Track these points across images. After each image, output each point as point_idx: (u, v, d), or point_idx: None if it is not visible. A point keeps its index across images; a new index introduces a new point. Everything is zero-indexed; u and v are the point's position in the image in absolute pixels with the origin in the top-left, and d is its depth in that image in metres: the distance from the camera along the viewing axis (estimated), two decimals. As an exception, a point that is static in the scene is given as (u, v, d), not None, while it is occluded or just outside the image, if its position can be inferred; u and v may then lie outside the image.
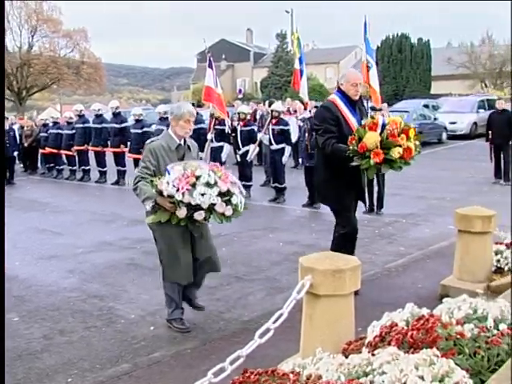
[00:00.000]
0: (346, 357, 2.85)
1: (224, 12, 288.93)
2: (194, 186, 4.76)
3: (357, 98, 5.91)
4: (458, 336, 2.70)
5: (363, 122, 5.62)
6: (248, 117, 13.59)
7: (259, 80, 56.87)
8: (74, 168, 17.00)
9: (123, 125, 15.44)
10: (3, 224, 5.86)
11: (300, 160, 14.85)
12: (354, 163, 5.41)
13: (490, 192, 13.02)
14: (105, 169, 16.06)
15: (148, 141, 5.50)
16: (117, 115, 15.54)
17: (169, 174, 4.88)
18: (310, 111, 12.10)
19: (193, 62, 73.11)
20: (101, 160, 16.03)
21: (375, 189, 10.79)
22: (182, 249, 5.21)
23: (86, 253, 8.34)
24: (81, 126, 16.25)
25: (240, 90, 57.63)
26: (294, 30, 39.30)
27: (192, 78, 66.98)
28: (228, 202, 4.87)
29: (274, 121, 12.38)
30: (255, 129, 13.34)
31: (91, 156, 16.44)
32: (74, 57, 48.07)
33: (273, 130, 12.32)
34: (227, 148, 13.13)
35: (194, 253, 5.30)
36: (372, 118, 5.56)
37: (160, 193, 4.86)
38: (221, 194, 4.82)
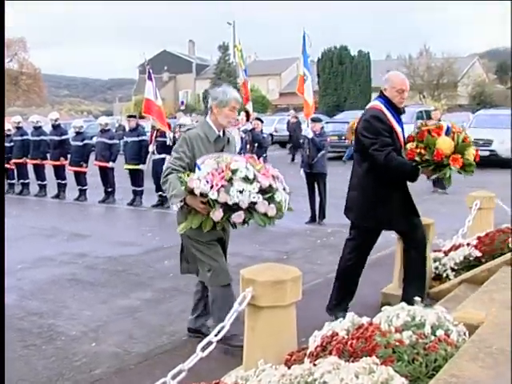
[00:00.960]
0: (289, 368, 2.85)
1: (166, 23, 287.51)
2: (230, 181, 4.09)
3: (402, 105, 5.17)
4: (397, 343, 2.75)
5: (411, 132, 5.11)
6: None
7: (202, 91, 56.93)
8: (13, 181, 16.56)
9: (63, 137, 15.12)
10: (3, 224, 5.70)
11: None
12: (432, 176, 5.24)
13: (430, 200, 13.31)
14: (44, 182, 15.68)
15: (183, 129, 5.04)
16: (56, 127, 15.22)
17: (199, 169, 4.21)
18: (251, 122, 12.16)
19: (135, 73, 72.62)
20: (40, 173, 15.66)
21: (317, 199, 10.90)
22: (219, 252, 4.79)
23: (26, 269, 8.12)
24: (19, 138, 15.84)
25: (182, 102, 57.54)
26: (236, 41, 39.55)
27: (134, 89, 66.43)
28: (271, 200, 4.19)
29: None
30: None
31: (30, 169, 16.06)
32: (12, 67, 47.07)
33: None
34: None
35: None
36: (425, 124, 5.07)
37: (190, 191, 4.18)
38: (262, 191, 4.14)
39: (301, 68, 11.20)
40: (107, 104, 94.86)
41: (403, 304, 3.11)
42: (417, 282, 5.32)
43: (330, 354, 2.84)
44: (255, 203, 4.08)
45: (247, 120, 13.48)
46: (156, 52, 64.92)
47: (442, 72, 44.57)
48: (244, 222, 4.21)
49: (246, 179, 4.08)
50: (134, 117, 14.11)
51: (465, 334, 3.02)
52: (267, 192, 4.15)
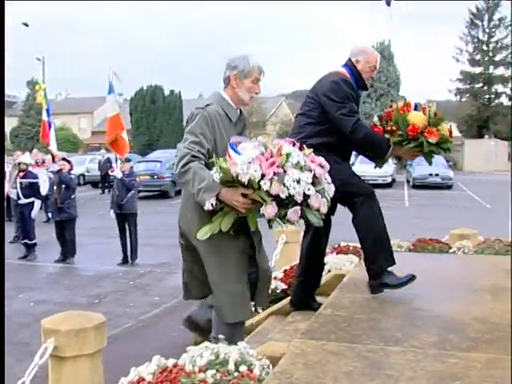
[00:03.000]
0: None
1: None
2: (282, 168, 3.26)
3: (368, 85, 4.58)
4: (202, 383, 2.76)
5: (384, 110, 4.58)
6: (29, 168, 12.45)
7: (9, 129, 53.99)
8: None
9: None
10: (3, 226, 4.81)
11: (50, 214, 14.24)
12: (409, 147, 4.28)
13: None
14: None
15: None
16: None
17: (237, 152, 3.24)
18: (57, 163, 11.75)
19: None
20: None
21: (128, 240, 10.76)
22: (243, 273, 3.71)
23: None
24: None
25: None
26: (45, 77, 38.20)
27: None
28: (321, 193, 3.41)
29: (21, 174, 11.76)
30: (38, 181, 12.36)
31: None
32: None
33: (20, 183, 11.68)
34: None
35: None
36: (390, 107, 4.56)
37: (229, 180, 3.25)
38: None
39: (116, 108, 11.11)
40: None
41: (206, 343, 3.13)
42: (378, 248, 4.33)
43: (137, 401, 2.78)
44: (308, 196, 3.29)
45: (53, 161, 12.99)
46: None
47: (251, 111, 46.43)
48: (301, 218, 3.38)
49: (299, 167, 3.31)
50: None
51: (268, 366, 3.10)
52: (314, 184, 3.35)
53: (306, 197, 3.27)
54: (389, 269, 4.23)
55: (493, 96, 49.75)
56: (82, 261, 11.14)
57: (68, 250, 11.01)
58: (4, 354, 3.59)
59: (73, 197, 10.93)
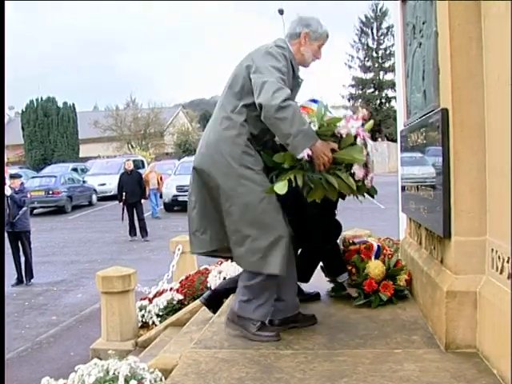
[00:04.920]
0: None
1: None
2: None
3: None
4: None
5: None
6: None
7: None
8: None
9: None
10: (3, 230, 4.15)
11: None
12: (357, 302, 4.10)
13: (140, 248, 13.56)
14: None
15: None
16: None
17: (328, 111, 3.38)
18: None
19: None
20: None
21: (22, 259, 10.36)
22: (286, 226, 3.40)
23: None
24: None
25: None
26: None
27: None
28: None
29: None
30: None
31: None
32: None
33: None
34: None
35: None
36: (352, 243, 4.45)
37: (324, 134, 3.23)
38: None
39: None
40: None
41: (96, 360, 3.06)
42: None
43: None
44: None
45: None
46: None
47: (148, 122, 45.88)
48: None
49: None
50: None
51: (161, 379, 3.07)
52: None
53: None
54: None
55: (384, 100, 51.70)
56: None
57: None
58: (4, 354, 3.34)
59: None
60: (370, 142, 3.37)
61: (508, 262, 2.68)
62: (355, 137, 3.28)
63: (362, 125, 3.38)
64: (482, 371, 2.81)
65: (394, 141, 45.45)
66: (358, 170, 3.25)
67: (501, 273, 2.78)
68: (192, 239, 3.62)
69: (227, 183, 3.33)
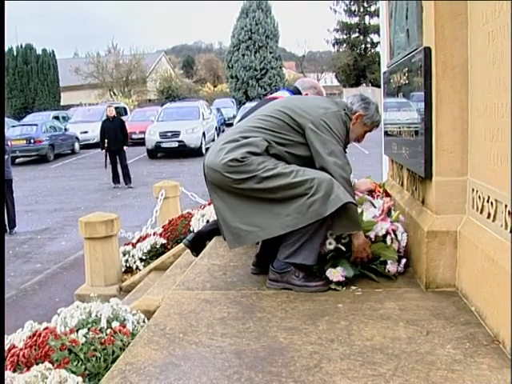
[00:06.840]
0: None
1: None
2: None
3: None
4: (73, 344, 2.70)
5: None
6: None
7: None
8: None
9: None
10: (3, 227, 4.03)
11: None
12: None
13: (124, 195, 13.52)
14: None
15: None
16: None
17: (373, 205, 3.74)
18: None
19: None
20: None
21: (4, 208, 10.29)
22: None
23: None
24: None
25: None
26: None
27: None
28: None
29: None
30: None
31: None
32: None
33: None
34: None
35: None
36: None
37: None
38: None
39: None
40: None
41: (78, 303, 3.06)
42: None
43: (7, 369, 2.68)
44: None
45: None
46: None
47: (130, 69, 45.20)
48: None
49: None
50: None
51: (144, 321, 3.09)
52: None
53: None
54: None
55: (369, 46, 51.12)
56: None
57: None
58: (4, 354, 3.34)
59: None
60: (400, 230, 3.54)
61: (488, 201, 2.69)
62: (384, 235, 3.48)
63: (389, 214, 3.62)
64: (460, 309, 2.86)
65: (379, 86, 45.18)
66: (391, 267, 3.45)
67: (481, 212, 2.79)
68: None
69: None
